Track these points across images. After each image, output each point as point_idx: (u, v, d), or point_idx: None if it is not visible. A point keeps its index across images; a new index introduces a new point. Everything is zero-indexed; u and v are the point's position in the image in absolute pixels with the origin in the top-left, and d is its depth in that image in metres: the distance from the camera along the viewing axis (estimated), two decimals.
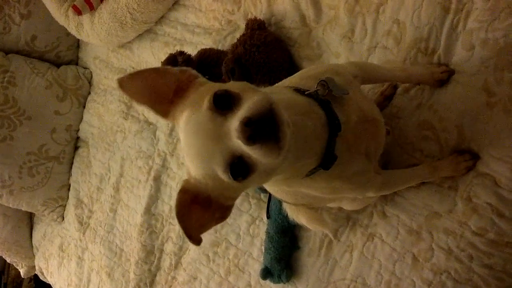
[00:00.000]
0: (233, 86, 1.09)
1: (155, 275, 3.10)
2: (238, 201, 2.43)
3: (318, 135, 1.21)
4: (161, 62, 2.62)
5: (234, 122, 0.97)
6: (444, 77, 1.75)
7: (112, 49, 3.76)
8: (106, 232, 3.54)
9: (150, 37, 3.37)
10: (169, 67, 1.16)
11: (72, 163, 4.09)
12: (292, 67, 2.35)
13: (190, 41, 3.02)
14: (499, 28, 1.62)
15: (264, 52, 2.28)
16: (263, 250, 2.35)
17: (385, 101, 1.97)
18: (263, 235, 2.38)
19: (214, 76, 2.38)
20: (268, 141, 0.96)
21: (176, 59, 2.51)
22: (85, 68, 4.11)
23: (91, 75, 4.06)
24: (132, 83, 1.14)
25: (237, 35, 2.54)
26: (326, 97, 1.27)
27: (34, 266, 4.57)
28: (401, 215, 1.87)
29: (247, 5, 2.65)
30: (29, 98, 3.75)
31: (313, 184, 1.36)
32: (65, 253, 4.00)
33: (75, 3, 3.34)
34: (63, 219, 4.17)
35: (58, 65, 4.04)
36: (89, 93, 4.05)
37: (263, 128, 0.95)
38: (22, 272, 4.71)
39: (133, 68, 3.59)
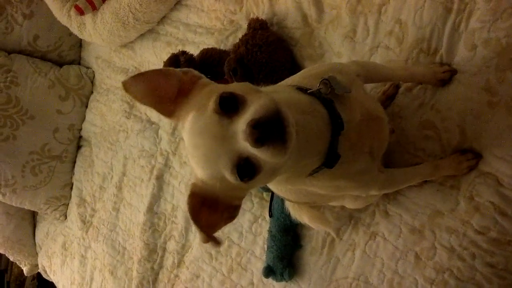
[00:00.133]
0: (235, 87, 1.10)
1: (158, 273, 3.10)
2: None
3: (321, 134, 1.22)
4: (163, 62, 2.62)
5: (240, 125, 0.98)
6: (446, 76, 1.75)
7: (114, 49, 3.76)
8: (109, 231, 3.55)
9: (152, 37, 3.37)
10: (172, 68, 1.17)
11: (74, 162, 4.10)
12: (294, 67, 2.35)
13: (192, 41, 3.02)
14: (501, 28, 1.63)
15: (266, 52, 2.29)
16: (266, 249, 2.35)
17: (387, 100, 1.97)
18: (265, 234, 2.39)
19: (216, 76, 2.38)
20: (276, 142, 0.97)
21: (178, 59, 2.51)
22: (88, 67, 4.12)
23: (94, 74, 4.06)
24: (137, 84, 1.14)
25: (239, 35, 2.54)
26: (329, 96, 1.27)
27: (37, 265, 4.57)
28: (403, 214, 1.88)
29: (249, 5, 2.65)
30: (31, 97, 3.75)
31: (317, 183, 1.37)
32: (68, 251, 4.01)
33: (77, 3, 3.34)
34: (66, 217, 4.18)
35: (60, 65, 4.05)
36: (92, 92, 4.06)
37: (271, 129, 0.96)
38: (25, 270, 4.71)
39: (135, 68, 3.59)
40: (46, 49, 3.98)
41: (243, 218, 2.54)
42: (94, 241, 3.70)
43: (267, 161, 1.01)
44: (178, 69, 1.16)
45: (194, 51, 2.68)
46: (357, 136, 1.33)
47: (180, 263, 2.94)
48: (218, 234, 1.16)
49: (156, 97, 1.16)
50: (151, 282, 3.11)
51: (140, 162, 3.35)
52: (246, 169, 1.03)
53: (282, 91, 1.30)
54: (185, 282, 2.87)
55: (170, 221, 3.06)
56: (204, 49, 2.66)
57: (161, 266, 3.09)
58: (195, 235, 2.86)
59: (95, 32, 3.45)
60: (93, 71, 4.07)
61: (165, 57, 2.68)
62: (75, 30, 3.66)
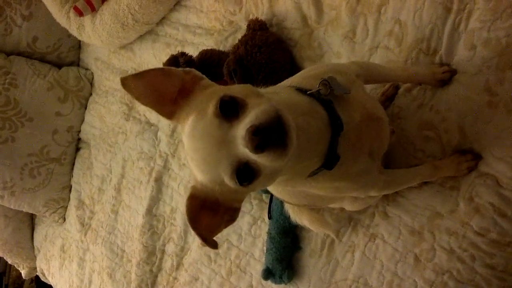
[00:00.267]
0: (236, 89, 1.10)
1: (156, 276, 3.10)
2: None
3: (321, 135, 1.21)
4: (163, 63, 2.62)
5: (240, 130, 0.98)
6: (446, 77, 1.75)
7: (113, 50, 3.76)
8: (108, 233, 3.55)
9: (152, 38, 3.37)
10: (173, 67, 1.16)
11: (73, 165, 4.11)
12: (294, 68, 2.35)
13: (191, 42, 3.02)
14: (501, 27, 1.62)
15: (265, 52, 2.28)
16: (265, 251, 2.35)
17: (386, 101, 1.97)
18: (264, 236, 2.38)
19: (215, 77, 2.38)
20: (275, 148, 0.97)
21: (177, 60, 2.51)
22: (87, 69, 4.12)
23: (93, 76, 4.06)
24: (136, 83, 1.13)
25: (239, 35, 2.54)
26: (328, 96, 1.27)
27: (36, 267, 4.58)
28: (403, 215, 1.87)
29: (248, 5, 2.65)
30: (30, 99, 3.75)
31: (316, 184, 1.36)
32: (67, 254, 4.01)
33: (76, 4, 3.34)
34: (65, 220, 4.18)
35: (59, 67, 4.05)
36: (91, 94, 4.06)
37: (270, 135, 0.95)
38: (23, 273, 4.72)
39: (134, 69, 3.59)
40: (45, 51, 3.98)
41: (242, 220, 2.54)
42: (92, 244, 3.69)
43: (267, 165, 1.01)
44: (180, 69, 1.15)
45: (194, 52, 2.68)
46: (357, 137, 1.32)
47: (179, 266, 2.94)
48: (217, 237, 1.16)
49: (156, 97, 1.14)
50: (149, 285, 3.10)
51: (139, 164, 3.35)
52: (245, 173, 1.02)
53: (282, 92, 1.29)
54: (184, 284, 2.86)
55: (169, 224, 3.06)
56: (203, 50, 2.66)
57: (160, 269, 3.08)
58: (194, 238, 2.86)
59: (94, 33, 3.45)
60: (92, 73, 4.07)
61: (165, 58, 2.68)
62: (74, 32, 3.66)
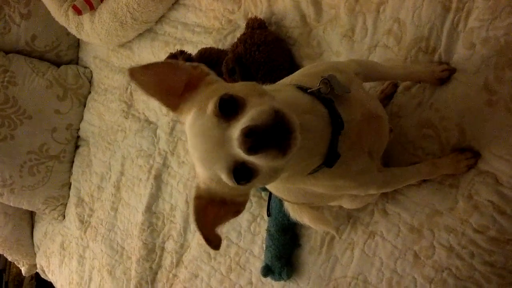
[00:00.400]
0: (241, 87, 1.11)
1: (156, 273, 3.10)
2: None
3: (322, 134, 1.22)
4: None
5: (235, 131, 0.99)
6: (445, 75, 1.75)
7: (112, 49, 3.76)
8: (107, 231, 3.55)
9: (151, 37, 3.37)
10: (181, 61, 1.17)
11: (72, 162, 4.10)
12: (293, 66, 2.35)
13: (190, 40, 3.02)
14: (500, 26, 1.63)
15: (264, 51, 2.29)
16: (264, 248, 2.36)
17: (385, 99, 1.97)
18: (264, 233, 2.39)
19: None
20: (271, 149, 0.97)
21: (176, 59, 2.51)
22: (86, 67, 4.11)
23: (92, 74, 4.06)
24: (144, 74, 1.15)
25: (238, 34, 2.54)
26: (329, 95, 1.27)
27: (35, 265, 4.58)
28: (402, 213, 1.87)
29: (247, 4, 2.65)
30: (29, 97, 3.75)
31: (316, 182, 1.37)
32: (66, 251, 4.01)
33: (75, 3, 3.34)
34: (64, 217, 4.18)
35: (58, 65, 4.05)
36: (90, 92, 4.06)
37: (265, 137, 0.96)
38: (23, 270, 4.72)
39: None
40: (44, 49, 3.98)
41: (242, 218, 2.54)
42: (92, 241, 3.69)
43: (264, 165, 1.02)
44: (188, 63, 1.16)
45: (192, 50, 2.68)
46: (357, 135, 1.33)
47: (178, 263, 2.94)
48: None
49: (162, 89, 1.16)
50: (149, 282, 3.11)
51: (138, 161, 3.35)
52: (242, 173, 1.03)
53: (284, 90, 1.30)
54: (183, 281, 2.87)
55: (169, 221, 3.06)
56: (202, 49, 2.66)
57: (159, 266, 3.08)
58: (193, 235, 2.86)
59: (93, 32, 3.45)
60: (91, 71, 4.07)
61: (163, 56, 2.68)
62: (73, 30, 3.66)
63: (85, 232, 3.80)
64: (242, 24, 2.61)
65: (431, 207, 1.78)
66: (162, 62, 1.17)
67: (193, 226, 2.87)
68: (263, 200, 2.46)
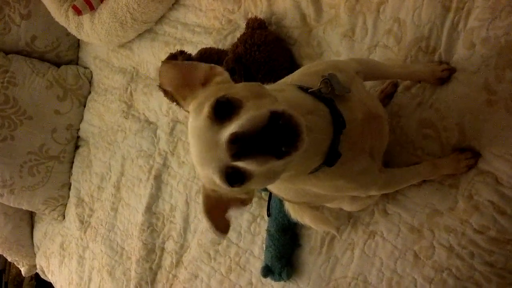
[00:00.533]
0: (241, 89, 1.11)
1: (156, 274, 3.10)
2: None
3: (324, 134, 1.22)
4: (162, 61, 2.60)
5: (225, 135, 0.99)
6: (445, 75, 1.75)
7: (112, 49, 3.77)
8: (107, 231, 3.55)
9: (150, 37, 3.38)
10: (202, 63, 1.24)
11: (72, 162, 4.11)
12: (293, 66, 2.35)
13: (190, 40, 3.03)
14: (500, 26, 1.63)
15: (264, 51, 2.29)
16: (264, 248, 2.35)
17: (385, 99, 1.97)
18: (264, 233, 2.39)
19: None
20: (258, 156, 0.97)
21: (176, 59, 2.51)
22: (85, 67, 4.12)
23: (91, 74, 4.07)
24: (170, 70, 1.22)
25: (238, 34, 2.55)
26: (329, 94, 1.27)
27: (35, 265, 4.58)
28: (402, 213, 1.87)
29: (247, 4, 2.65)
30: (29, 98, 3.76)
31: (317, 182, 1.37)
32: (66, 251, 4.01)
33: (75, 3, 3.35)
34: (64, 218, 4.18)
35: (58, 65, 4.06)
36: (90, 92, 4.07)
37: (253, 143, 0.96)
38: (23, 270, 4.72)
39: (133, 68, 3.60)
40: (44, 50, 3.99)
41: (242, 218, 2.54)
42: (92, 241, 3.70)
43: (256, 169, 1.02)
44: (207, 64, 1.22)
45: (192, 50, 2.68)
46: (358, 135, 1.33)
47: (178, 263, 2.94)
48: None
49: (181, 84, 1.21)
50: (149, 282, 3.11)
51: (138, 162, 3.36)
52: (234, 176, 1.03)
53: (286, 90, 1.30)
54: (183, 282, 2.87)
55: (169, 221, 3.06)
56: (202, 49, 2.65)
57: (159, 266, 3.08)
58: (193, 236, 2.86)
59: (93, 32, 3.46)
60: (91, 71, 4.08)
61: (163, 56, 2.68)
62: (73, 31, 3.66)
63: (85, 232, 3.80)
64: (242, 24, 2.61)
65: (431, 207, 1.78)
66: (186, 62, 1.23)
67: (193, 226, 2.88)
68: (263, 200, 2.46)
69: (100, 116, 3.85)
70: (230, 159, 0.97)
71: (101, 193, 3.71)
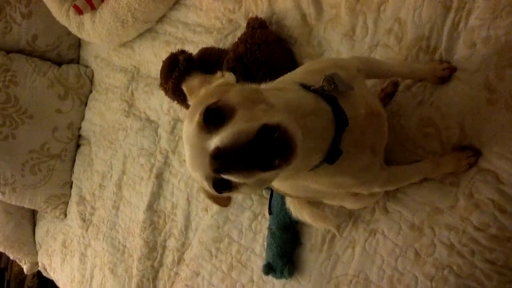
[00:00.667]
0: (236, 95, 1.10)
1: (158, 271, 3.11)
2: (240, 198, 2.47)
3: (325, 132, 1.23)
4: (162, 61, 2.61)
5: (210, 146, 1.00)
6: (446, 74, 1.76)
7: (113, 48, 3.77)
8: (109, 229, 3.56)
9: (151, 36, 3.38)
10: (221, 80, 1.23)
11: (74, 161, 4.11)
12: (293, 66, 2.34)
13: (191, 40, 3.03)
14: (501, 26, 1.64)
15: (265, 50, 2.29)
16: (265, 246, 2.36)
17: (386, 98, 1.98)
18: (265, 231, 2.40)
19: None
20: (240, 171, 0.97)
21: (177, 58, 2.51)
22: (87, 66, 4.12)
23: (93, 73, 4.06)
24: (195, 78, 1.23)
25: (238, 34, 2.55)
26: (332, 92, 1.28)
27: (37, 263, 4.58)
28: (403, 211, 1.88)
29: (248, 4, 2.66)
30: (30, 96, 3.76)
31: (318, 179, 1.38)
32: (68, 249, 4.01)
33: (76, 2, 3.35)
34: (66, 216, 4.19)
35: (59, 64, 4.05)
36: (91, 91, 4.06)
37: (237, 158, 0.96)
38: (25, 268, 4.72)
39: (134, 67, 3.61)
40: (45, 49, 3.99)
41: (243, 216, 2.55)
42: (94, 239, 3.70)
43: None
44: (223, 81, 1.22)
45: (193, 50, 2.68)
46: (360, 132, 1.33)
47: (180, 261, 2.95)
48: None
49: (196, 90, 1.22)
50: (151, 280, 3.11)
51: (140, 160, 3.36)
52: (222, 184, 1.04)
53: (287, 89, 1.30)
54: (185, 279, 2.87)
55: (170, 219, 3.07)
56: (203, 48, 2.66)
57: (161, 264, 3.09)
58: (194, 233, 2.87)
59: (94, 31, 3.46)
60: (92, 70, 4.07)
61: (164, 56, 2.68)
62: (73, 30, 3.66)
63: (86, 230, 3.80)
64: (243, 24, 2.62)
65: (432, 205, 1.79)
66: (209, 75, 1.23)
67: (194, 224, 2.88)
68: (265, 198, 2.47)
69: (101, 115, 3.86)
70: (212, 173, 0.99)
71: (103, 191, 3.72)
